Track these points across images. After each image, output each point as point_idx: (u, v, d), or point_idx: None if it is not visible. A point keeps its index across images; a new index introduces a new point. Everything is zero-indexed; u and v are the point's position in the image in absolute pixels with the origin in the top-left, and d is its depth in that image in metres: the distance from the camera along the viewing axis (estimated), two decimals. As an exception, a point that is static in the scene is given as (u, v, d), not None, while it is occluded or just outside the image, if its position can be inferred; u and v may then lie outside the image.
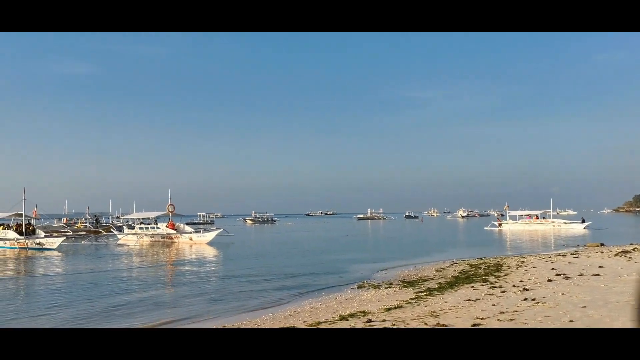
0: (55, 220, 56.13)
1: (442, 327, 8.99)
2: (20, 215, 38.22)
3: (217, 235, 42.41)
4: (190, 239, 41.75)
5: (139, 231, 44.35)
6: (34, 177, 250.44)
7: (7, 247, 36.27)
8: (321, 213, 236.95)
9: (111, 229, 52.16)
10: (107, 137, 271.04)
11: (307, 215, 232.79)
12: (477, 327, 8.84)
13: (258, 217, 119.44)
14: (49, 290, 17.88)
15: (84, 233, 48.96)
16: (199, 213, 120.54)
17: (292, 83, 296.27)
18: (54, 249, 34.46)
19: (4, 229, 39.15)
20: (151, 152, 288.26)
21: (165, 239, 42.50)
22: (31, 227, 39.64)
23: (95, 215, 68.21)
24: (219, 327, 10.61)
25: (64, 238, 37.75)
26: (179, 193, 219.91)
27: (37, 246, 35.34)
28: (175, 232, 42.76)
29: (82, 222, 59.63)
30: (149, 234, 43.49)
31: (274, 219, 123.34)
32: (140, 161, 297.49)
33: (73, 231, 48.44)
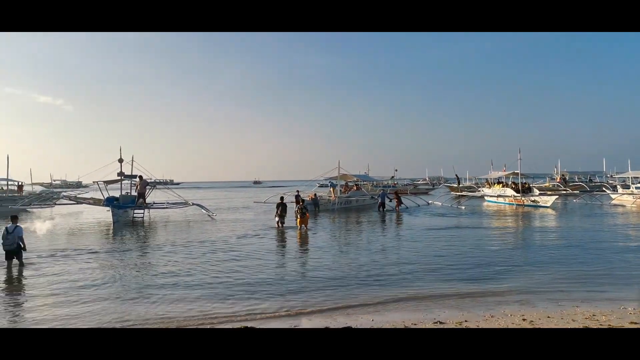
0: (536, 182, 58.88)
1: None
2: (517, 173, 42.16)
3: None
4: None
5: (635, 191, 40.75)
6: (527, 142, 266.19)
7: (506, 203, 40.89)
8: None
9: (604, 188, 50.02)
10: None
11: None
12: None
13: None
14: (542, 245, 18.85)
15: (577, 192, 48.86)
16: None
17: None
18: (547, 207, 36.32)
19: (503, 186, 44.26)
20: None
21: (670, 201, 37.30)
22: (527, 185, 43.01)
23: (588, 175, 67.10)
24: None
25: (557, 197, 39.03)
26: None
27: (532, 203, 38.18)
28: (683, 193, 36.87)
29: (550, 182, 60.58)
30: (649, 195, 39.26)
31: None
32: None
33: (551, 190, 48.96)
